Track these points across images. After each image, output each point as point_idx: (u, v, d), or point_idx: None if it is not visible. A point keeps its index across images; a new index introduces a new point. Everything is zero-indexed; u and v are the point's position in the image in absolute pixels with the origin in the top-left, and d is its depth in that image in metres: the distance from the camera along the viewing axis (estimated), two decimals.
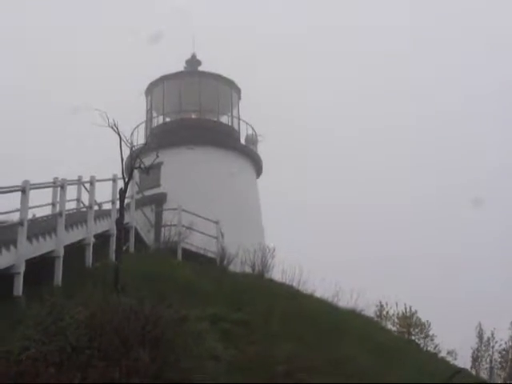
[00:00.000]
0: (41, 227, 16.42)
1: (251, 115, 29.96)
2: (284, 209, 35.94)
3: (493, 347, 21.41)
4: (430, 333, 21.90)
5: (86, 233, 17.73)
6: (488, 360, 21.19)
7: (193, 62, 30.61)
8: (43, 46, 47.39)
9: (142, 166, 17.15)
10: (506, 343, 21.42)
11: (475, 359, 21.21)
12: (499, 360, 21.18)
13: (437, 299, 30.50)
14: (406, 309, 22.36)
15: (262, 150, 29.79)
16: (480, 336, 21.60)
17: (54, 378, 8.72)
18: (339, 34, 49.41)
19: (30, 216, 18.01)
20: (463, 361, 20.48)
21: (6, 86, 43.03)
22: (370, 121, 47.67)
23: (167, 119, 30.14)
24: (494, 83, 50.21)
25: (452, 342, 20.94)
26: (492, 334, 21.51)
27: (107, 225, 19.32)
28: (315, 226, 39.59)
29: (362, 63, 50.18)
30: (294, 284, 20.55)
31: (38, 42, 47.37)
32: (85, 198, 19.96)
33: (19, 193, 14.72)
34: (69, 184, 17.85)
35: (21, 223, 14.32)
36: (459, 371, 14.52)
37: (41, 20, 49.22)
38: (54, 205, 19.13)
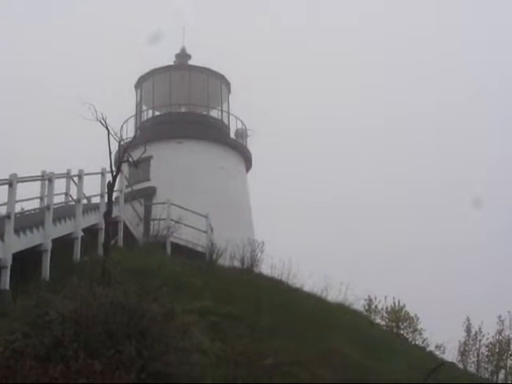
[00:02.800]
0: (29, 221, 16.37)
1: (241, 109, 29.97)
2: (273, 203, 35.91)
3: (480, 341, 21.48)
4: (419, 327, 21.95)
5: (74, 226, 17.68)
6: (475, 354, 21.27)
7: (183, 55, 30.55)
8: None
9: (131, 159, 17.13)
10: (493, 337, 21.52)
11: (463, 353, 21.28)
12: (486, 354, 21.26)
13: (427, 293, 30.59)
14: (394, 303, 22.39)
15: (251, 144, 29.79)
16: (468, 330, 21.67)
17: (37, 371, 8.72)
18: (332, 28, 49.19)
19: (18, 209, 18.04)
20: (451, 355, 20.61)
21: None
22: (366, 113, 47.20)
23: (157, 113, 30.08)
24: (495, 80, 50.25)
25: (440, 336, 21.04)
26: (479, 328, 21.60)
27: (96, 219, 19.28)
28: (305, 220, 39.59)
29: (356, 56, 49.85)
30: (283, 278, 20.58)
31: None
32: (73, 191, 19.91)
33: (6, 186, 14.68)
34: (57, 177, 17.82)
35: (8, 216, 14.28)
36: (442, 364, 14.58)
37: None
38: (42, 198, 19.07)
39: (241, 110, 29.88)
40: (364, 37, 51.24)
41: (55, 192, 17.72)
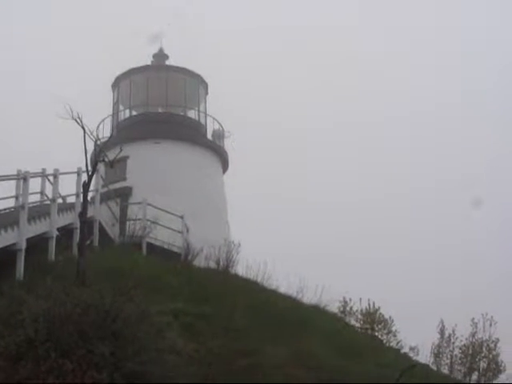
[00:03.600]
0: (3, 220, 16.25)
1: (218, 110, 29.92)
2: (250, 204, 35.85)
3: (453, 343, 21.64)
4: (393, 329, 22.05)
5: (49, 226, 17.58)
6: (449, 356, 21.42)
7: (160, 56, 30.50)
8: None
9: (106, 159, 17.07)
10: (466, 339, 21.67)
11: (436, 355, 21.43)
12: (459, 356, 21.43)
13: (403, 296, 30.66)
14: (369, 305, 22.48)
15: (228, 145, 29.76)
16: (442, 332, 21.82)
17: (6, 371, 8.66)
18: (332, 28, 48.95)
19: None
20: (424, 356, 20.74)
21: None
22: (365, 113, 46.97)
23: (134, 113, 29.99)
24: (493, 78, 50.45)
25: (414, 338, 21.15)
26: (453, 331, 21.75)
27: (71, 218, 19.18)
28: (281, 221, 39.53)
29: (355, 56, 49.47)
30: (259, 279, 20.59)
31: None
32: (49, 190, 19.78)
33: None
34: (32, 176, 17.69)
35: None
36: (414, 365, 14.69)
37: None
38: (17, 197, 18.94)
39: (218, 110, 29.91)
40: (364, 37, 51.13)
41: (30, 191, 17.60)
